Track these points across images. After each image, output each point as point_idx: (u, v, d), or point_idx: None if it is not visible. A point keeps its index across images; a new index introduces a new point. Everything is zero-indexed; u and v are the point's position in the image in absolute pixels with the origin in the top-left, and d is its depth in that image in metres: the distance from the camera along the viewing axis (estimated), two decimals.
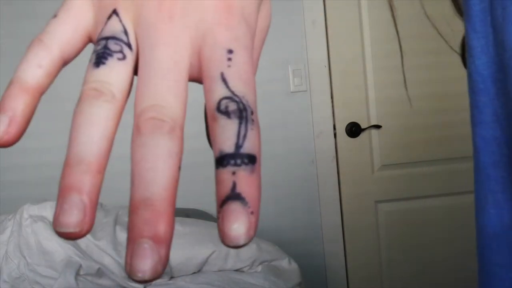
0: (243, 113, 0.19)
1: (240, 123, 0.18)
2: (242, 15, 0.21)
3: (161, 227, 0.17)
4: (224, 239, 0.17)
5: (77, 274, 1.25)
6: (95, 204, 0.18)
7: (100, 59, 0.20)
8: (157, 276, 0.17)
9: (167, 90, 0.19)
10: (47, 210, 1.40)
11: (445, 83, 1.96)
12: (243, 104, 0.19)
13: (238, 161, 0.18)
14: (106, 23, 0.21)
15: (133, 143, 0.19)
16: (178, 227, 1.47)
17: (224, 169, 0.18)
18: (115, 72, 0.20)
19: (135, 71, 0.21)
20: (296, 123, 1.93)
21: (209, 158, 1.99)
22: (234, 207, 0.17)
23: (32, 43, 0.22)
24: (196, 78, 0.21)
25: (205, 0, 0.21)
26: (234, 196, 0.17)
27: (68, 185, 0.18)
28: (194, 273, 1.41)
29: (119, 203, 1.78)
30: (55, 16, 0.22)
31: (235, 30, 0.21)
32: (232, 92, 0.19)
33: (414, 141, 2.00)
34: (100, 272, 1.30)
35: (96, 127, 0.19)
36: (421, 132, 1.99)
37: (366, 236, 2.02)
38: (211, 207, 1.92)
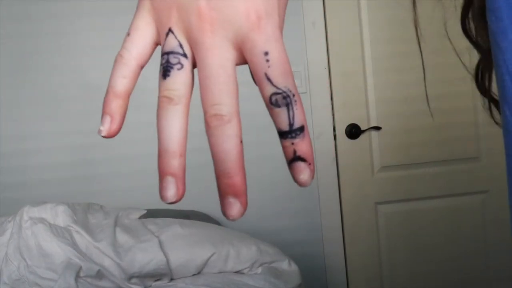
0: (287, 100, 0.27)
1: (288, 109, 0.27)
2: (268, 14, 0.27)
3: (238, 186, 0.27)
4: (298, 184, 0.27)
5: (77, 276, 1.25)
6: (183, 178, 0.28)
7: (165, 72, 0.28)
8: (242, 215, 0.27)
9: (219, 91, 0.26)
10: (47, 212, 1.40)
11: (445, 84, 1.96)
12: (287, 93, 0.27)
13: (293, 135, 0.27)
14: (165, 39, 0.28)
15: (207, 133, 0.27)
16: (177, 229, 1.47)
17: (285, 140, 0.27)
18: (178, 80, 0.28)
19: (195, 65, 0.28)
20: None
21: (208, 159, 1.98)
22: (298, 165, 0.27)
23: (116, 59, 0.30)
24: (243, 63, 0.28)
25: (237, 10, 0.27)
26: (296, 158, 0.27)
27: (163, 170, 0.27)
28: (194, 275, 1.40)
29: (119, 205, 1.78)
30: (128, 34, 0.30)
31: (265, 31, 0.27)
32: (277, 87, 0.27)
33: (414, 143, 2.00)
34: (100, 274, 1.30)
35: (173, 125, 0.27)
36: (421, 133, 1.99)
37: (366, 237, 2.02)
38: (211, 209, 1.91)
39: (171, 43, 0.28)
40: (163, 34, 0.28)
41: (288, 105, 0.27)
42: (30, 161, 1.89)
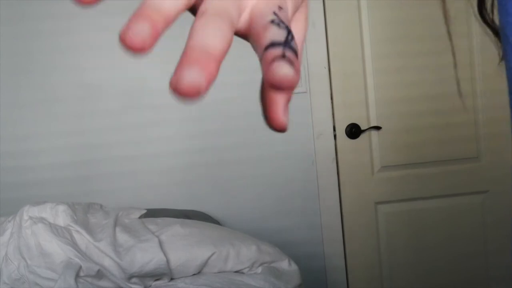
0: (288, 35, 0.23)
1: (288, 33, 0.23)
2: None
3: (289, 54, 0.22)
4: (277, 81, 0.22)
5: (77, 275, 1.25)
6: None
7: None
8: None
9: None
10: (47, 212, 1.40)
11: (445, 84, 1.96)
12: (289, 30, 0.23)
13: (287, 47, 0.22)
14: None
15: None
16: (178, 229, 1.47)
17: (275, 48, 0.22)
18: None
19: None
20: (296, 124, 1.93)
21: (209, 159, 2.00)
22: (280, 62, 0.22)
23: None
24: (242, 34, 0.25)
25: None
26: (281, 56, 0.22)
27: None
28: (194, 274, 1.40)
29: (119, 204, 1.79)
30: None
31: None
32: (280, 19, 0.24)
33: (414, 143, 2.00)
34: (100, 274, 1.30)
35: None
36: (421, 133, 1.99)
37: (366, 237, 2.02)
38: (211, 209, 1.92)
39: None
40: None
41: (289, 33, 0.23)
42: (30, 161, 1.89)
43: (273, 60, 0.22)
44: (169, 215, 1.64)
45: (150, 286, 1.36)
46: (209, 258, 1.40)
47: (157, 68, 1.84)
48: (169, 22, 0.22)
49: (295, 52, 0.23)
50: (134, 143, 1.91)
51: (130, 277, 1.33)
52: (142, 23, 0.21)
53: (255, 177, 1.94)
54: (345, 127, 1.97)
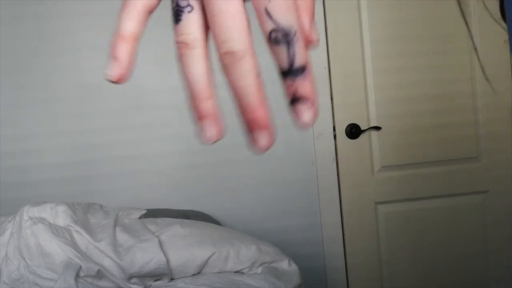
0: (288, 38, 0.25)
1: (288, 47, 0.25)
2: None
3: (261, 120, 0.26)
4: (300, 126, 0.26)
5: (77, 276, 1.25)
6: (218, 118, 0.27)
7: (177, 16, 0.27)
8: (270, 146, 0.26)
9: (228, 28, 0.25)
10: (47, 212, 1.40)
11: (445, 84, 1.96)
12: (287, 30, 0.25)
13: (294, 74, 0.25)
14: None
15: (223, 72, 0.26)
16: (177, 229, 1.47)
17: (286, 80, 0.25)
18: (191, 23, 0.27)
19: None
20: (295, 124, 1.93)
21: (208, 159, 2.00)
22: (300, 106, 0.26)
23: (123, 3, 0.29)
24: None
25: None
26: (297, 98, 0.26)
27: (197, 114, 0.27)
28: (194, 274, 1.40)
29: (119, 204, 1.78)
30: None
31: None
32: (277, 23, 0.25)
33: (413, 143, 2.00)
34: (100, 274, 1.30)
35: (194, 69, 0.27)
36: (421, 133, 1.99)
37: (366, 237, 2.02)
38: (210, 209, 1.91)
39: None
40: None
41: (288, 43, 0.25)
42: (30, 161, 1.89)
43: (292, 99, 0.26)
44: (169, 215, 1.64)
45: (150, 286, 1.36)
46: (209, 258, 1.39)
47: (157, 68, 1.84)
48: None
49: (303, 70, 0.25)
50: (134, 143, 1.91)
51: (130, 277, 1.33)
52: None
53: (255, 177, 1.94)
54: (345, 127, 1.97)
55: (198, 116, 0.27)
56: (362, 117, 1.97)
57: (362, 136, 1.98)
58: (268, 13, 0.25)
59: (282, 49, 0.25)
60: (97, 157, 1.90)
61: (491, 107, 1.98)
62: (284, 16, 0.25)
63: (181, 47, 0.27)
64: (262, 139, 0.26)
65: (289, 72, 0.25)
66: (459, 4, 0.51)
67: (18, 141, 1.88)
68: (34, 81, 1.87)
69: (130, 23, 0.28)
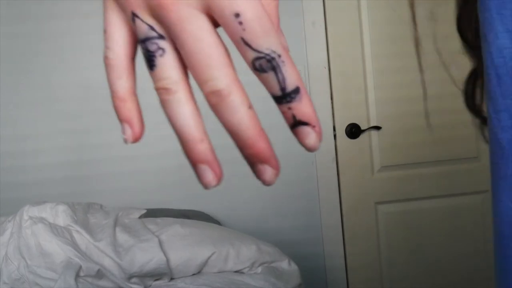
0: (273, 63, 0.24)
1: (275, 73, 0.24)
2: None
3: (262, 153, 0.25)
4: (307, 150, 0.25)
5: (77, 275, 1.25)
6: (214, 161, 0.26)
7: (150, 63, 0.25)
8: (276, 177, 0.26)
9: (207, 66, 0.24)
10: (47, 212, 1.40)
11: (445, 84, 1.96)
12: (270, 56, 0.24)
13: (288, 99, 0.24)
14: (134, 25, 0.25)
15: (212, 110, 0.25)
16: (177, 229, 1.47)
17: (281, 106, 0.25)
18: (166, 67, 0.25)
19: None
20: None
21: None
22: (301, 130, 0.25)
23: (105, 62, 0.28)
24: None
25: None
26: (297, 123, 0.25)
27: (192, 159, 0.26)
28: (194, 274, 1.40)
29: (119, 204, 1.79)
30: (105, 31, 0.27)
31: None
32: (257, 51, 0.24)
33: (414, 142, 2.00)
34: (100, 274, 1.30)
35: (180, 114, 0.25)
36: (421, 133, 1.99)
37: (366, 237, 2.02)
38: (210, 209, 1.92)
39: (141, 29, 0.25)
40: (129, 20, 0.26)
41: (275, 69, 0.24)
42: (29, 161, 1.89)
43: (292, 124, 0.25)
44: (169, 215, 1.64)
45: (150, 286, 1.37)
46: (209, 258, 1.40)
47: None
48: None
49: (296, 92, 0.24)
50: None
51: (130, 277, 1.33)
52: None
53: (255, 177, 1.94)
54: (345, 127, 1.97)
55: (193, 161, 0.26)
56: (362, 117, 1.97)
57: (362, 136, 1.98)
58: (246, 43, 0.24)
59: (270, 77, 0.24)
60: (97, 157, 1.90)
61: None
62: (263, 42, 0.24)
63: (161, 93, 0.25)
64: (266, 173, 0.25)
65: (282, 97, 0.24)
66: (411, 5, 0.52)
67: (18, 141, 1.88)
68: (34, 81, 1.88)
69: (121, 82, 0.27)
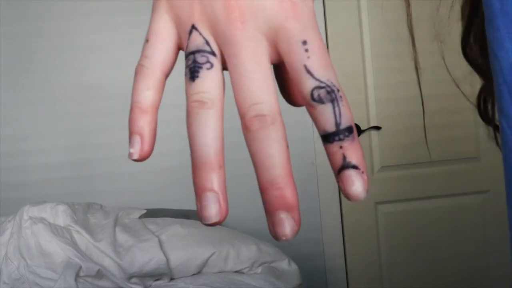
0: (332, 95, 0.23)
1: (333, 106, 0.23)
2: (301, 1, 0.24)
3: (289, 199, 0.22)
4: (349, 199, 0.22)
5: (77, 275, 1.25)
6: (225, 194, 0.23)
7: (193, 73, 0.24)
8: (295, 234, 0.22)
9: (257, 88, 0.23)
10: (47, 212, 1.40)
11: (445, 84, 1.96)
12: (330, 88, 0.23)
13: (341, 136, 0.23)
14: (189, 38, 0.25)
15: (246, 139, 0.23)
16: (178, 229, 1.47)
17: (332, 145, 0.23)
18: (209, 81, 0.24)
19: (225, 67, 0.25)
20: (296, 124, 1.93)
21: None
22: (349, 174, 0.22)
23: (136, 70, 0.26)
24: (276, 62, 0.25)
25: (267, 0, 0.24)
26: (346, 165, 0.22)
27: (201, 186, 0.23)
28: (194, 274, 1.40)
29: (119, 204, 1.78)
30: (147, 41, 0.26)
31: (302, 19, 0.24)
32: (319, 80, 0.23)
33: (414, 142, 2.00)
34: (100, 274, 1.30)
35: (207, 132, 0.23)
36: (421, 133, 1.99)
37: (366, 237, 2.02)
38: None
39: (197, 41, 0.24)
40: (185, 33, 0.25)
41: (333, 101, 0.23)
42: (30, 161, 1.89)
43: (341, 167, 0.23)
44: (169, 215, 1.64)
45: (150, 286, 1.37)
46: (209, 258, 1.40)
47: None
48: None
49: (350, 132, 0.23)
50: None
51: (130, 277, 1.33)
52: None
53: (255, 177, 1.94)
54: None
55: (202, 187, 0.23)
56: (362, 117, 1.97)
57: (362, 136, 1.98)
58: (308, 71, 0.23)
59: (327, 109, 0.23)
60: (97, 157, 1.90)
61: None
62: (325, 73, 0.23)
63: (194, 106, 0.24)
64: (287, 223, 0.22)
65: (335, 134, 0.23)
66: (410, 29, 0.52)
67: (18, 141, 1.88)
68: (34, 81, 1.87)
69: (149, 93, 0.26)
